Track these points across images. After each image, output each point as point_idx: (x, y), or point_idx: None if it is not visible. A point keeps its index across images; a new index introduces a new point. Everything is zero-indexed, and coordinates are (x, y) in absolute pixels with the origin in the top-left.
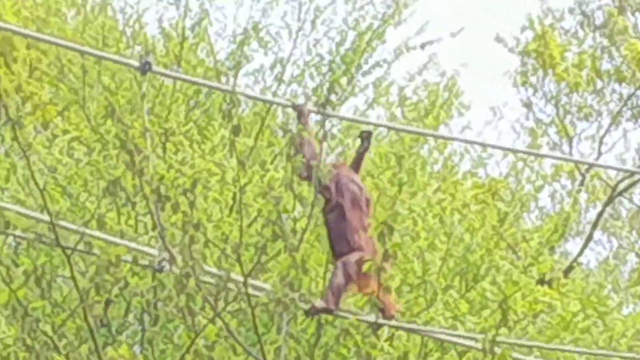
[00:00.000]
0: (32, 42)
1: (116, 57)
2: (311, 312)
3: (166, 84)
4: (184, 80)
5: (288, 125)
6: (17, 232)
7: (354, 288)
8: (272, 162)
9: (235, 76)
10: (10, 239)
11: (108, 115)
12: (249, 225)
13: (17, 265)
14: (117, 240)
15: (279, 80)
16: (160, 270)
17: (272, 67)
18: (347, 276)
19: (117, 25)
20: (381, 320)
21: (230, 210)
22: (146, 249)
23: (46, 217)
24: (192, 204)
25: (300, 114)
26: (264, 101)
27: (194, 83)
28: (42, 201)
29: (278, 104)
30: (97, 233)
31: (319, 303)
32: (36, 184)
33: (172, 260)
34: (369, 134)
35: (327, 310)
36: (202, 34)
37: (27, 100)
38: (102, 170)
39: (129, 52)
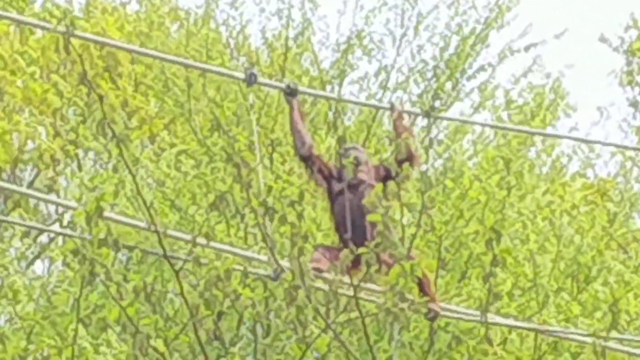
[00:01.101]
0: (136, 56)
1: (221, 70)
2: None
3: (271, 95)
4: (303, 92)
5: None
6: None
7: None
8: None
9: (340, 84)
10: (120, 255)
11: (214, 127)
12: None
13: (127, 281)
14: (224, 247)
15: (384, 87)
16: (277, 278)
17: (377, 75)
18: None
19: (220, 38)
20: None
21: None
22: (256, 255)
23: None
24: (300, 215)
25: (292, 95)
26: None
27: (301, 93)
28: (149, 216)
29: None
30: (205, 243)
31: (322, 265)
32: (143, 199)
33: (281, 271)
34: (290, 89)
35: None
36: (305, 44)
37: (134, 114)
38: (210, 183)
39: (233, 63)
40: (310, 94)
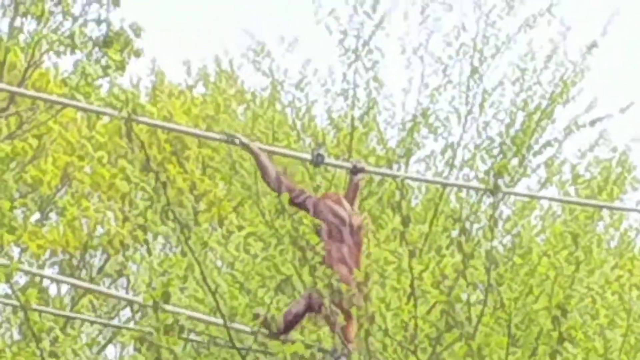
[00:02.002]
0: (203, 140)
1: (288, 152)
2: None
3: (338, 175)
4: (363, 171)
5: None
6: (192, 336)
7: (316, 319)
8: (447, 247)
9: (407, 163)
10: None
11: (279, 210)
12: (428, 313)
13: None
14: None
15: (450, 165)
16: (337, 359)
17: (443, 152)
18: (308, 306)
19: (286, 119)
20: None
21: (409, 298)
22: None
23: (220, 320)
24: (366, 297)
25: (246, 147)
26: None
27: (368, 172)
28: (215, 302)
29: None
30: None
31: (266, 321)
32: (208, 287)
33: (348, 353)
34: (357, 169)
35: (273, 334)
36: (371, 123)
37: (202, 198)
38: (279, 265)
39: (300, 144)
40: (377, 173)
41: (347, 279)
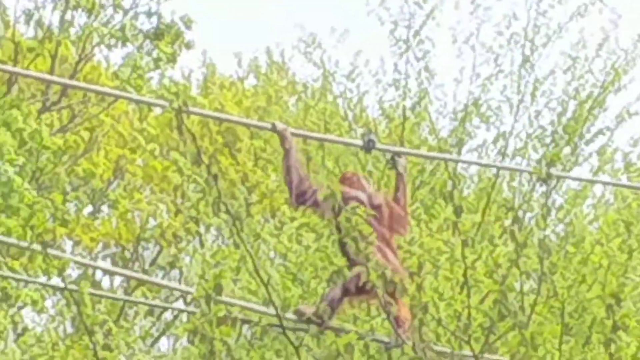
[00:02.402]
0: (255, 131)
1: (339, 139)
2: (299, 318)
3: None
4: (409, 154)
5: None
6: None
7: (353, 302)
8: (500, 237)
9: (459, 153)
10: (244, 329)
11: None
12: (480, 302)
13: (250, 358)
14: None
15: (502, 154)
16: (391, 348)
17: (495, 142)
18: (345, 290)
19: (338, 110)
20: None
21: (462, 287)
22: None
23: (273, 311)
24: (419, 287)
25: (283, 138)
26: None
27: (418, 156)
28: (267, 294)
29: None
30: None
31: (308, 309)
32: (261, 278)
33: (402, 342)
34: (395, 161)
35: (317, 322)
36: (422, 113)
37: (254, 189)
38: (331, 256)
39: (352, 135)
40: (428, 157)
41: (383, 263)
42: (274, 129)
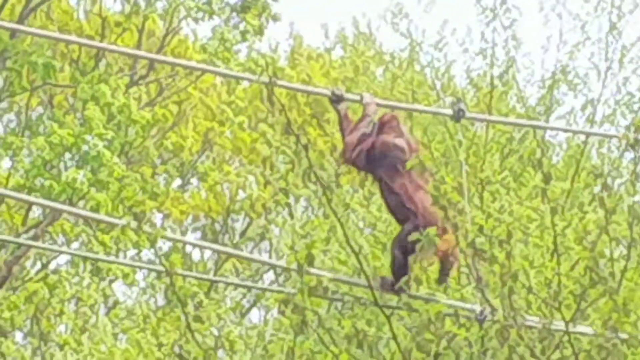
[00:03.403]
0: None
1: (428, 109)
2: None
3: (478, 134)
4: (499, 122)
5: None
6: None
7: (422, 259)
8: (590, 204)
9: (547, 121)
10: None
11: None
12: (571, 269)
13: (342, 327)
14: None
15: (591, 121)
16: (483, 320)
17: (583, 109)
18: (404, 251)
19: (425, 80)
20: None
21: (552, 255)
22: (464, 304)
23: (363, 281)
24: (508, 254)
25: (339, 100)
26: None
27: (507, 124)
28: (358, 263)
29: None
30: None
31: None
32: (352, 248)
33: (493, 311)
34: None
35: (387, 290)
36: (510, 82)
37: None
38: None
39: (440, 104)
40: (517, 125)
41: (426, 211)
42: (361, 100)
